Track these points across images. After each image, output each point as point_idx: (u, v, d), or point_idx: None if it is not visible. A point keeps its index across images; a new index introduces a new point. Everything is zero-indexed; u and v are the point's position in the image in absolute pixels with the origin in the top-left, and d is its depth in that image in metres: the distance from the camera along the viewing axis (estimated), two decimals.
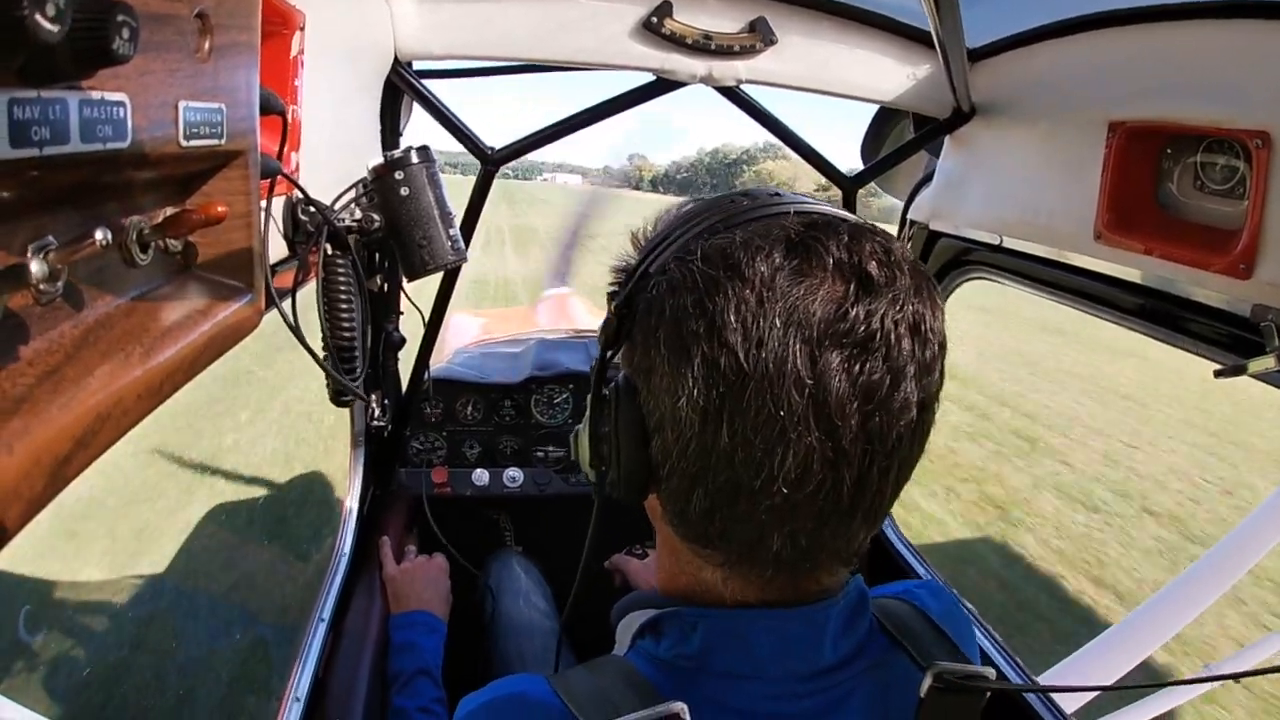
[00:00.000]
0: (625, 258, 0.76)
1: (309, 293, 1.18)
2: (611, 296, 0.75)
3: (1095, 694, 2.77)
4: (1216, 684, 3.02)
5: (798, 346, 0.59)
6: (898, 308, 0.61)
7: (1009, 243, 1.58)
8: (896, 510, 2.28)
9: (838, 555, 0.70)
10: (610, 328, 0.72)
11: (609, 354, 0.74)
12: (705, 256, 0.64)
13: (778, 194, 0.71)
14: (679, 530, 0.73)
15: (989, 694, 0.76)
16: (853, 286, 0.61)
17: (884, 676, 0.76)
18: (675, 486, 0.68)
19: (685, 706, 0.66)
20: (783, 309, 0.59)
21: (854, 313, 0.59)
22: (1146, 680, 3.36)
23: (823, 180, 1.95)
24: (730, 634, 0.72)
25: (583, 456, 0.81)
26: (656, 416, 0.68)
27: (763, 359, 0.59)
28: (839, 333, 0.59)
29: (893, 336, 0.60)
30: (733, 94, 1.64)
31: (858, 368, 0.59)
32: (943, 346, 0.65)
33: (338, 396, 1.30)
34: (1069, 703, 1.47)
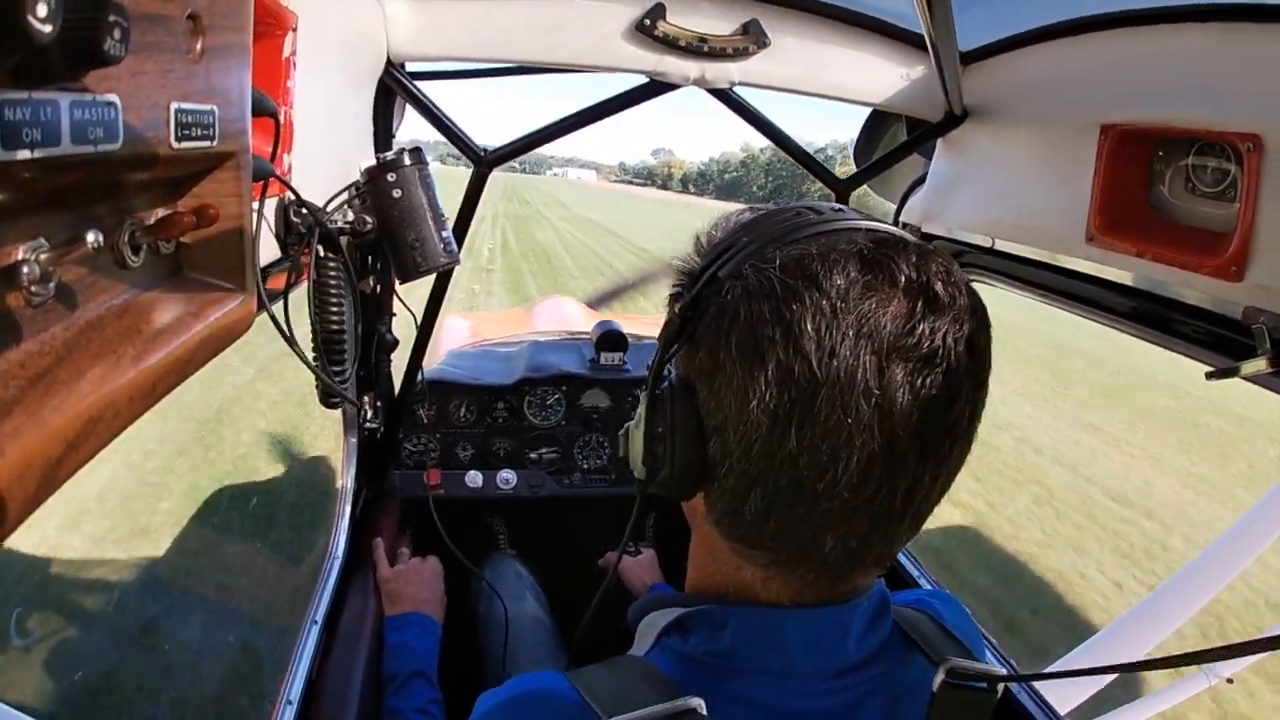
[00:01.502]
0: (688, 260, 0.77)
1: (301, 294, 1.18)
2: (674, 298, 0.77)
3: (1090, 698, 2.78)
4: (1221, 669, 3.02)
5: (868, 358, 0.61)
6: (959, 326, 0.63)
7: (1001, 245, 1.58)
8: None
9: (880, 559, 0.72)
10: (673, 328, 0.73)
11: (669, 354, 0.75)
12: (783, 265, 0.65)
13: (842, 210, 0.73)
14: (726, 530, 0.74)
15: (999, 695, 0.78)
16: (920, 304, 0.63)
17: (900, 676, 0.78)
18: (732, 486, 0.69)
19: (702, 701, 0.68)
20: (855, 321, 0.61)
21: (920, 329, 0.62)
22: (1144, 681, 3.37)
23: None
24: (761, 631, 0.74)
25: (634, 454, 0.82)
26: (719, 418, 0.69)
27: (835, 368, 0.61)
28: (906, 347, 0.61)
29: (953, 354, 0.63)
30: (725, 96, 1.64)
31: (920, 381, 0.62)
32: (989, 365, 0.68)
33: (327, 398, 1.30)
34: (1066, 701, 1.47)
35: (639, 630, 0.84)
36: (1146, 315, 1.27)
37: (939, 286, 0.63)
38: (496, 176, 1.71)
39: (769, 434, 0.64)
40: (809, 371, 0.61)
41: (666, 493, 0.76)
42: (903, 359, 0.61)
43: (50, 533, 4.26)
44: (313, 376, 1.23)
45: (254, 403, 6.96)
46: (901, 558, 2.11)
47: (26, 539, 4.09)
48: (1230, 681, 3.16)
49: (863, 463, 0.62)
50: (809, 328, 0.62)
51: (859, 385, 0.61)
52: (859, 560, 0.70)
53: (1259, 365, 1.00)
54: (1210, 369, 1.09)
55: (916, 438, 0.62)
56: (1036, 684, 1.56)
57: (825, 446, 0.62)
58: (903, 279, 0.63)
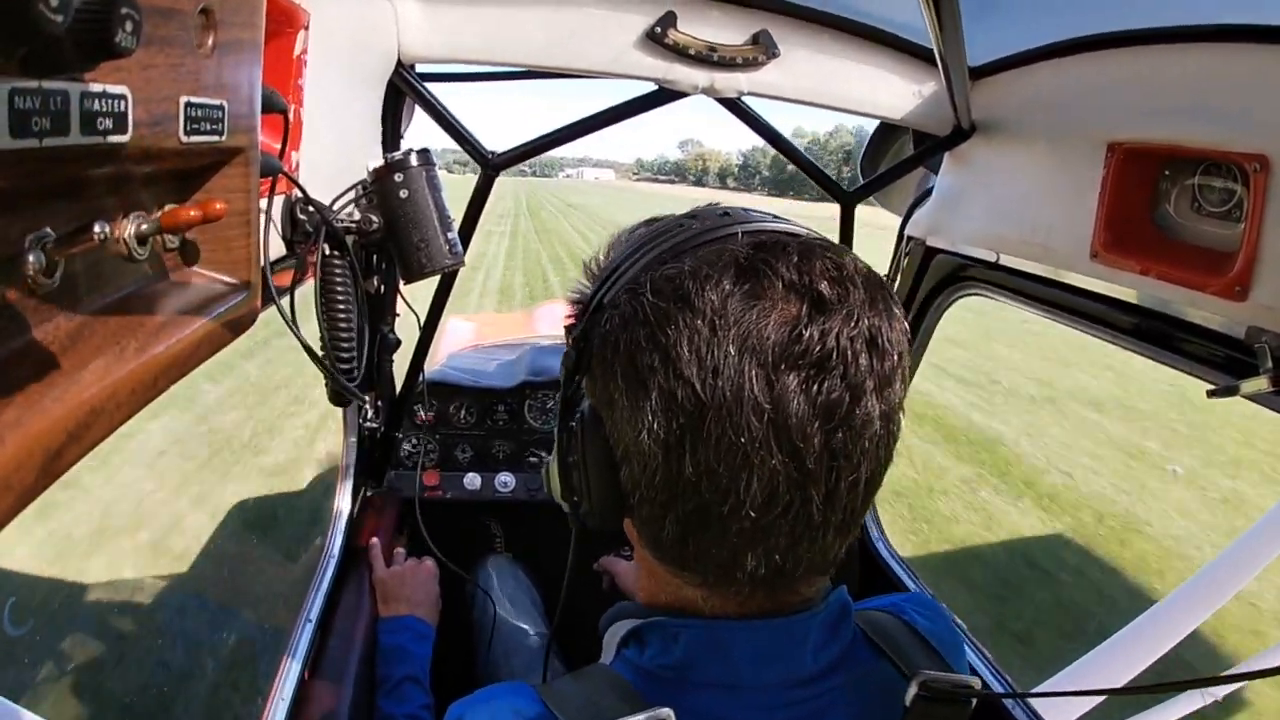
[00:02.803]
0: (580, 289, 0.76)
1: (305, 291, 1.18)
2: (568, 330, 0.75)
3: (1085, 713, 2.77)
4: (1216, 692, 3.01)
5: (754, 372, 0.59)
6: (852, 324, 0.61)
7: (1006, 260, 1.59)
8: (885, 522, 2.28)
9: (814, 568, 0.70)
10: (570, 360, 0.72)
11: (570, 386, 0.74)
12: (655, 289, 0.63)
13: (726, 213, 0.72)
14: (654, 553, 0.73)
15: (974, 705, 0.76)
16: (805, 307, 0.61)
17: (867, 686, 0.76)
18: (647, 514, 0.69)
19: (671, 712, 0.66)
20: (736, 335, 0.59)
21: (808, 334, 0.60)
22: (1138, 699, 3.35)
23: None
24: (711, 644, 0.72)
25: (554, 487, 0.81)
26: (622, 448, 0.68)
27: (719, 388, 0.59)
28: (794, 355, 0.59)
29: (849, 354, 0.60)
30: (734, 106, 1.65)
31: (816, 388, 0.60)
32: (903, 356, 0.65)
33: (337, 396, 1.30)
34: (1057, 717, 1.47)
35: (605, 639, 0.84)
36: (1149, 333, 1.27)
37: (824, 286, 0.61)
38: (505, 184, 1.70)
39: (665, 462, 0.63)
40: (693, 395, 0.60)
41: (591, 523, 0.75)
42: (792, 368, 0.59)
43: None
44: (317, 375, 1.24)
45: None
46: (889, 560, 2.11)
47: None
48: (1220, 700, 3.16)
49: (766, 481, 0.60)
50: (685, 351, 0.60)
51: (747, 402, 0.59)
52: (791, 573, 0.68)
53: (1260, 384, 1.00)
54: (1212, 387, 1.09)
55: (823, 447, 0.60)
56: (1030, 699, 1.56)
57: (723, 469, 0.61)
58: (782, 283, 0.61)
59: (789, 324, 0.60)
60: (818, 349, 0.59)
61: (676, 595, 0.75)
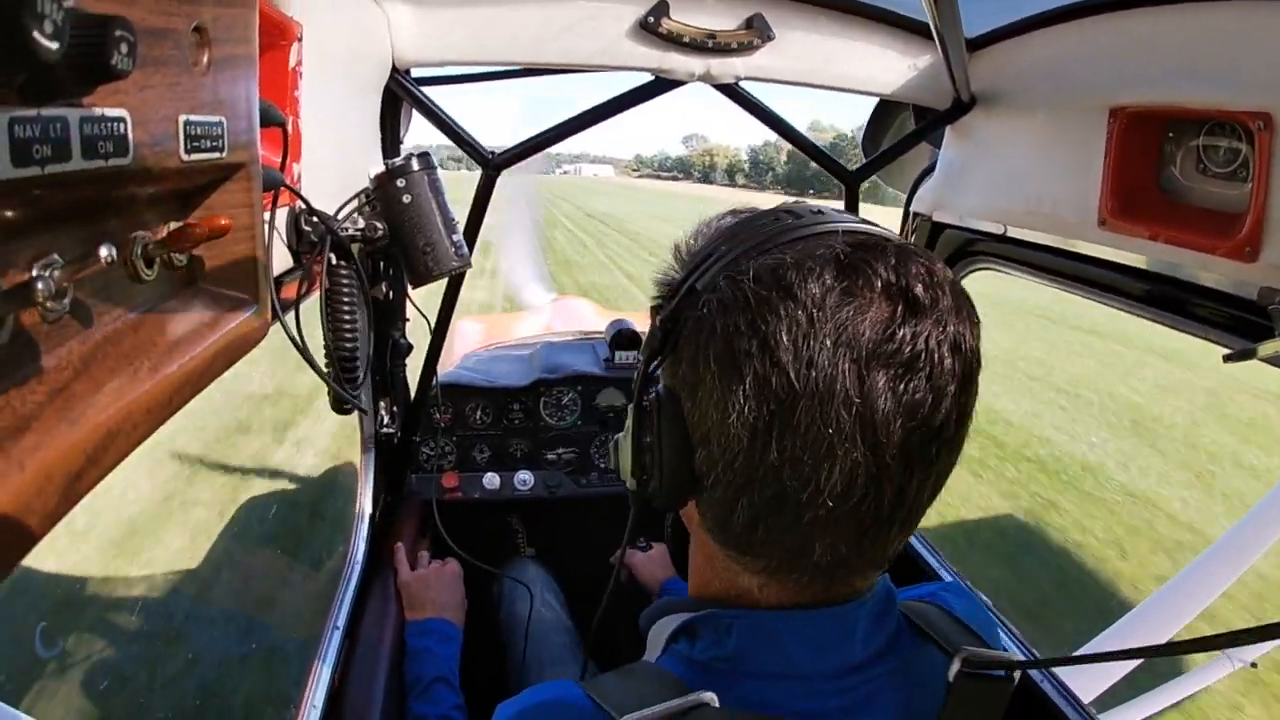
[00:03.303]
0: (668, 271, 0.77)
1: (315, 302, 1.18)
2: (655, 310, 0.76)
3: (1113, 683, 2.77)
4: (1244, 654, 3.00)
5: (847, 366, 0.60)
6: (941, 328, 0.62)
7: (1013, 232, 1.58)
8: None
9: (874, 561, 0.72)
10: (655, 341, 0.73)
11: (651, 366, 0.75)
12: (757, 276, 0.64)
13: (821, 211, 0.72)
14: (718, 537, 0.74)
15: (1016, 683, 0.77)
16: (900, 308, 0.62)
17: (914, 670, 0.77)
18: (720, 497, 0.69)
19: (714, 695, 0.68)
20: (833, 329, 0.60)
21: (901, 334, 0.61)
22: (1167, 667, 3.35)
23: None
24: (765, 634, 0.73)
25: (624, 465, 0.82)
26: (703, 429, 0.69)
27: (813, 378, 0.60)
28: (886, 353, 0.60)
29: (936, 356, 0.62)
30: (732, 91, 1.64)
31: (903, 387, 0.61)
32: (979, 363, 0.67)
33: (339, 405, 1.30)
34: (1088, 690, 1.46)
35: (650, 637, 0.85)
36: (1161, 299, 1.26)
37: (919, 289, 0.62)
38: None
39: (750, 446, 0.64)
40: (787, 383, 0.61)
41: (657, 503, 0.76)
42: (883, 365, 0.60)
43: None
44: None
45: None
46: (922, 550, 2.11)
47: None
48: (1254, 666, 3.14)
49: (846, 472, 0.61)
50: (784, 339, 0.61)
51: (839, 395, 0.60)
52: (851, 565, 0.69)
53: (1276, 346, 0.99)
54: (1228, 351, 1.08)
55: (901, 444, 0.62)
56: (1059, 671, 1.55)
57: (807, 458, 0.62)
58: (879, 283, 0.62)
59: (883, 323, 0.61)
60: (908, 349, 0.61)
61: (732, 582, 0.76)
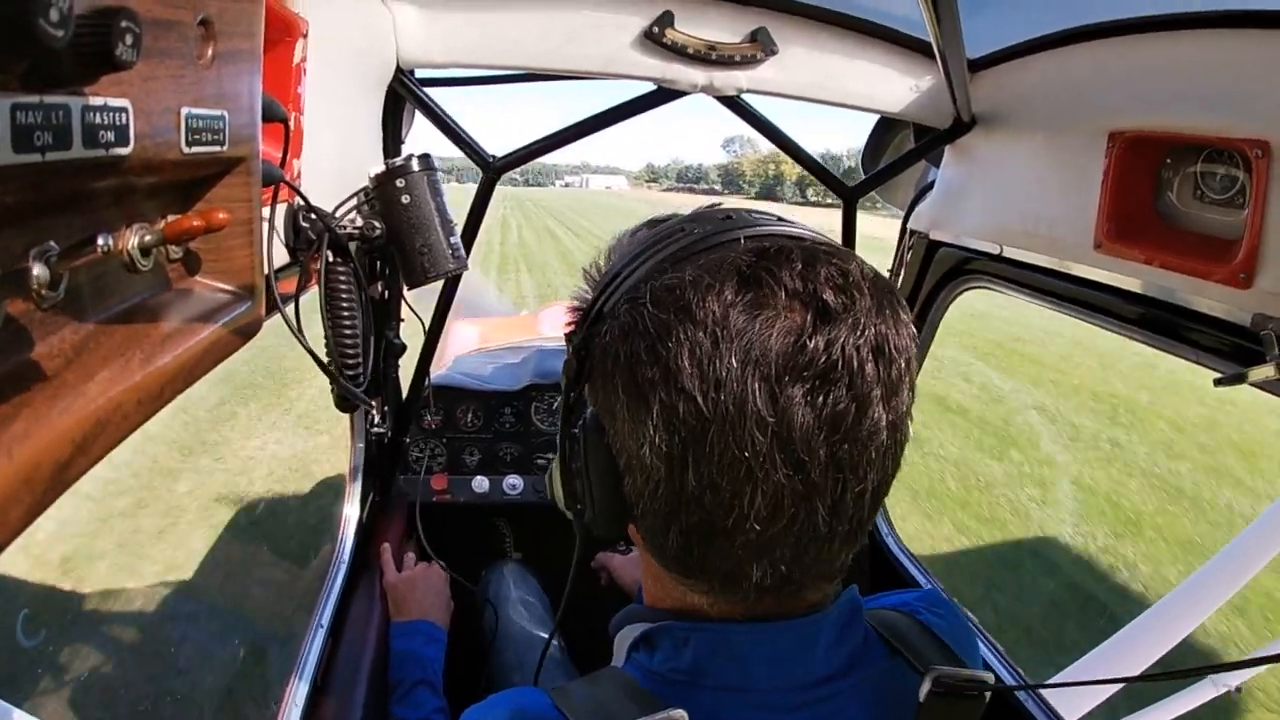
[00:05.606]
0: (581, 295, 0.75)
1: (309, 298, 1.18)
2: (568, 337, 0.74)
3: (1098, 705, 2.76)
4: (1229, 682, 3.01)
5: (757, 385, 0.58)
6: (858, 333, 0.60)
7: (1009, 252, 1.58)
8: (895, 520, 2.28)
9: (821, 575, 0.70)
10: (571, 369, 0.71)
11: (571, 394, 0.73)
12: (655, 299, 0.62)
13: (729, 216, 0.70)
14: (659, 560, 0.72)
15: (988, 699, 0.75)
16: (810, 316, 0.59)
17: (881, 685, 0.75)
18: (650, 524, 0.68)
19: (685, 714, 0.65)
20: (739, 348, 0.58)
21: (813, 344, 0.58)
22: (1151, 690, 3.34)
23: None
24: (721, 648, 0.72)
25: (558, 495, 0.81)
26: (625, 458, 0.67)
27: (722, 401, 0.58)
28: (799, 366, 0.58)
29: (855, 363, 0.59)
30: (734, 103, 1.65)
31: (821, 400, 0.58)
32: (910, 362, 0.64)
33: (343, 402, 1.30)
34: (1071, 710, 1.46)
35: (616, 643, 0.83)
36: (1155, 322, 1.26)
37: (828, 294, 0.60)
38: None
39: (669, 476, 0.62)
40: (695, 410, 0.59)
41: (597, 532, 0.75)
42: (797, 380, 0.58)
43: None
44: (324, 380, 1.24)
45: None
46: (900, 556, 2.11)
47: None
48: (1239, 691, 3.14)
49: (770, 495, 0.59)
50: (687, 364, 0.59)
51: (750, 416, 0.58)
52: (797, 580, 0.67)
53: (1267, 372, 0.99)
54: (1219, 375, 1.09)
55: (828, 460, 0.59)
56: (1043, 689, 1.55)
57: (725, 483, 0.60)
58: (785, 292, 0.60)
59: (793, 334, 0.58)
60: (823, 360, 0.58)
61: (682, 599, 0.75)
